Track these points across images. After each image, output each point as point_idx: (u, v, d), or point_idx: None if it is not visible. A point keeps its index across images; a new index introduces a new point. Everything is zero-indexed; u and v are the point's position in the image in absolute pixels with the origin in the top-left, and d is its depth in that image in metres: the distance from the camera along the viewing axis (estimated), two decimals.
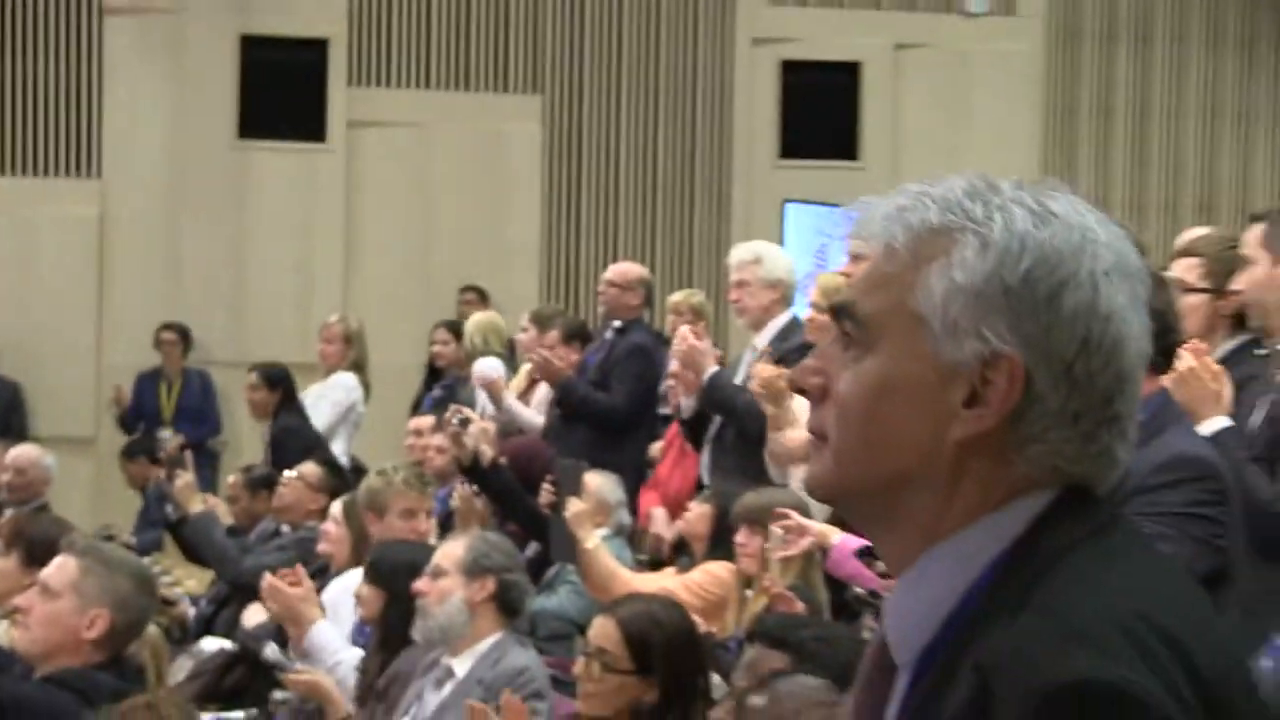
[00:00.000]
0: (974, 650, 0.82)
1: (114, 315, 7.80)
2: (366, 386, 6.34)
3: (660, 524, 4.71)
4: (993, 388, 0.83)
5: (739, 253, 4.86)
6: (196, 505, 4.99)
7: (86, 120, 7.85)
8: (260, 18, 8.02)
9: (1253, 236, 3.03)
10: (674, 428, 4.94)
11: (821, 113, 8.36)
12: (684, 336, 4.55)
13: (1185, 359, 2.53)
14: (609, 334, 5.57)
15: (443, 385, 6.52)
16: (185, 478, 5.11)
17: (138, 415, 7.69)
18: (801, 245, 6.79)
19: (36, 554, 3.25)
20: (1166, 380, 2.36)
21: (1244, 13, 8.52)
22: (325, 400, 6.21)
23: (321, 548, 4.40)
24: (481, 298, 7.39)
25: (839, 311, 0.91)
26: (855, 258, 2.25)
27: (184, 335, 7.53)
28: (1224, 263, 3.07)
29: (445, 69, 8.23)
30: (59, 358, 7.64)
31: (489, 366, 5.83)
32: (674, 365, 4.60)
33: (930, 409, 0.85)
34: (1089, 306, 0.85)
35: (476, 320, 6.38)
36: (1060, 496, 0.87)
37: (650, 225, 8.29)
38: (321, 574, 4.29)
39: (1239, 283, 3.02)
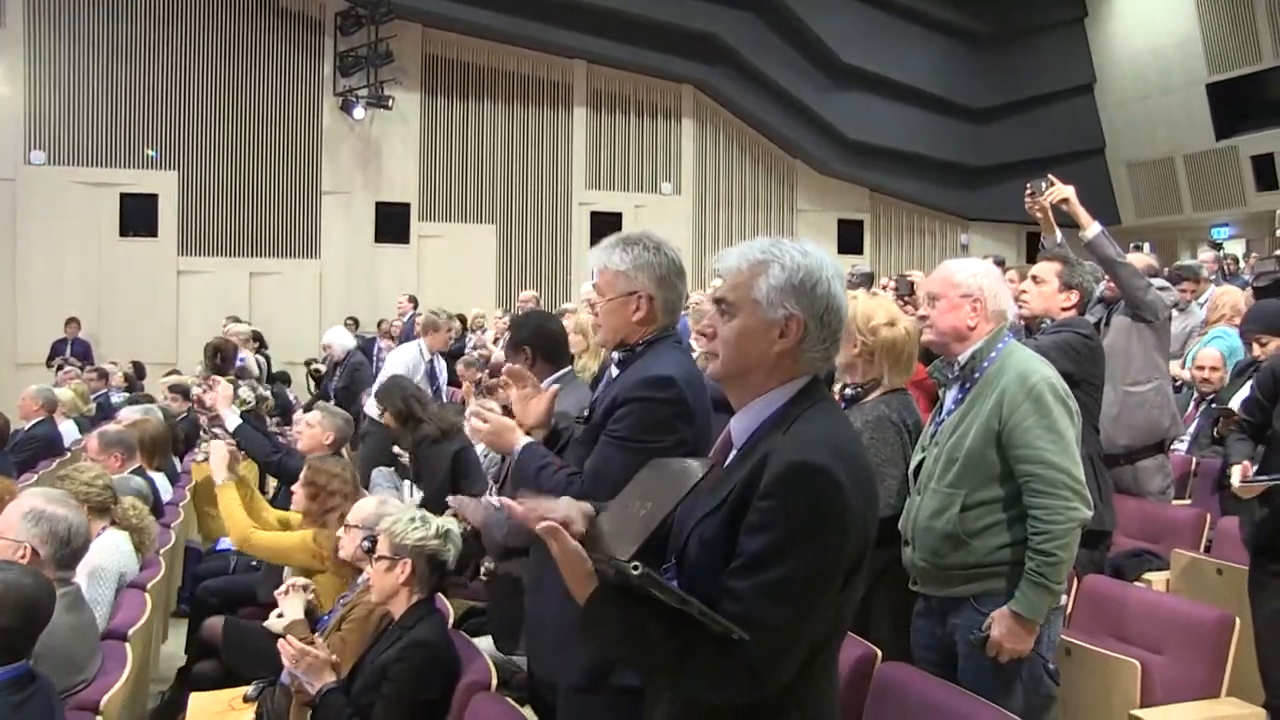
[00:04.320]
0: (763, 445, 1.76)
1: None
2: None
3: None
4: (790, 329, 1.79)
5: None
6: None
7: None
8: None
9: (1051, 268, 4.08)
10: None
11: (607, 235, 18.05)
12: None
13: None
14: None
15: None
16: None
17: None
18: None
19: None
20: None
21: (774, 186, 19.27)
22: None
23: None
24: None
25: (718, 300, 1.86)
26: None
27: None
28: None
29: None
30: None
31: None
32: None
33: (763, 340, 1.81)
34: (827, 291, 1.81)
35: None
36: (810, 380, 1.84)
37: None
38: None
39: (1031, 298, 4.06)
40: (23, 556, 3.07)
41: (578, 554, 1.73)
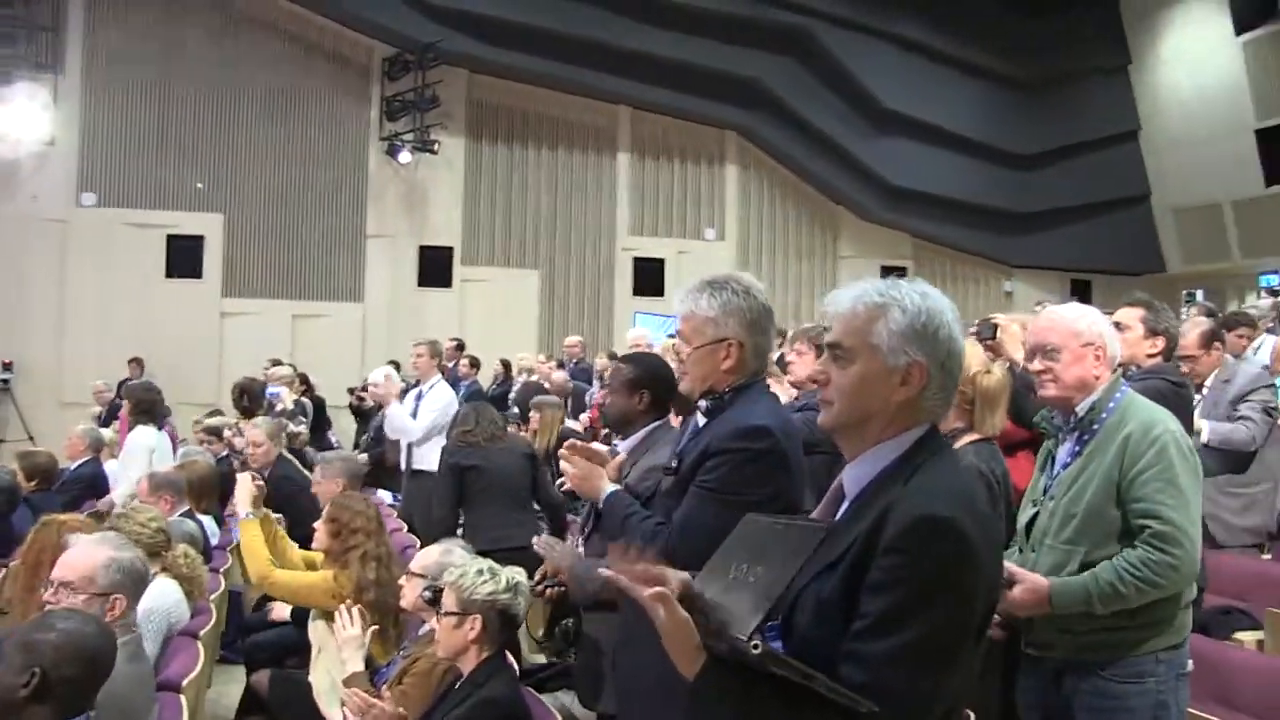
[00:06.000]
0: (880, 498, 1.66)
1: None
2: None
3: None
4: (912, 377, 1.71)
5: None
6: None
7: None
8: None
9: (1134, 314, 3.98)
10: None
11: (650, 281, 17.47)
12: None
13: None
14: None
15: None
16: None
17: None
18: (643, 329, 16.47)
19: None
20: None
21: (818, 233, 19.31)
22: None
23: None
24: None
25: (832, 345, 1.77)
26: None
27: None
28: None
29: None
30: None
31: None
32: None
33: (884, 388, 1.71)
34: (948, 335, 1.72)
35: None
36: (929, 429, 1.74)
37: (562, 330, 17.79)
38: None
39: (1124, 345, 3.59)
40: (111, 610, 2.99)
41: (687, 626, 1.61)
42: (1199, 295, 10.37)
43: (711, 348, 2.59)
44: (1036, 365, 2.97)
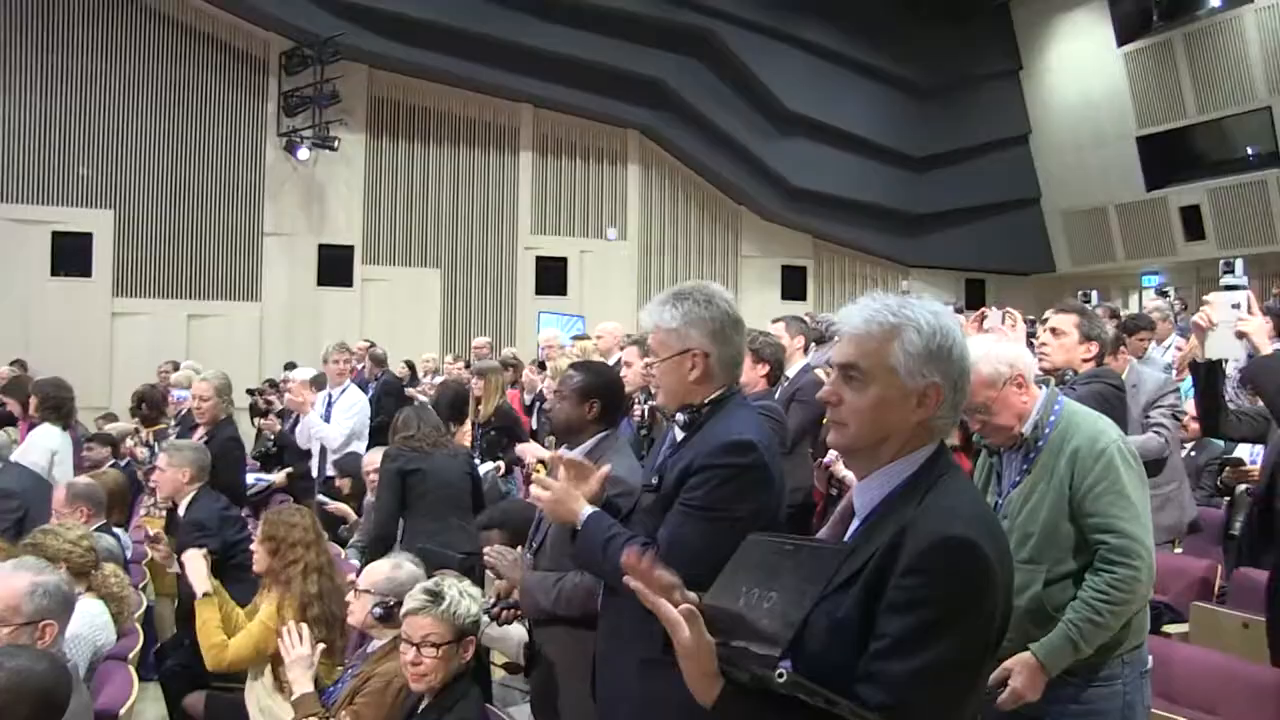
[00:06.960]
0: (893, 518, 1.65)
1: None
2: None
3: None
4: (929, 398, 1.70)
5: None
6: None
7: None
8: None
9: (1069, 320, 4.04)
10: None
11: (552, 280, 17.74)
12: None
13: None
14: None
15: None
16: None
17: None
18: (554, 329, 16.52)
19: None
20: None
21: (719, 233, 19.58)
22: None
23: None
24: None
25: (846, 365, 1.75)
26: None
27: None
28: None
29: None
30: None
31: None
32: None
33: (902, 409, 1.70)
34: (961, 353, 1.73)
35: None
36: (938, 448, 1.74)
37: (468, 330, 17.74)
38: None
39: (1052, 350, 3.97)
40: (41, 638, 2.81)
41: (709, 649, 1.58)
42: (1094, 296, 10.72)
43: (677, 359, 2.56)
44: (973, 425, 2.98)
